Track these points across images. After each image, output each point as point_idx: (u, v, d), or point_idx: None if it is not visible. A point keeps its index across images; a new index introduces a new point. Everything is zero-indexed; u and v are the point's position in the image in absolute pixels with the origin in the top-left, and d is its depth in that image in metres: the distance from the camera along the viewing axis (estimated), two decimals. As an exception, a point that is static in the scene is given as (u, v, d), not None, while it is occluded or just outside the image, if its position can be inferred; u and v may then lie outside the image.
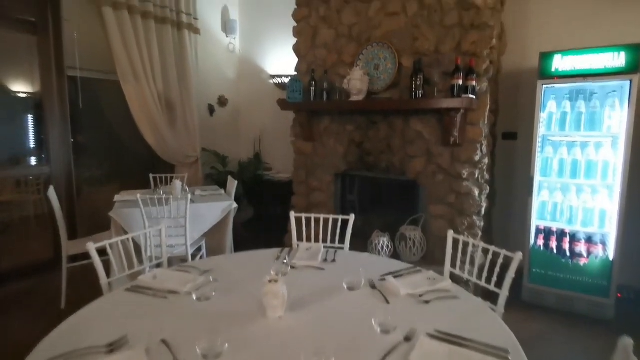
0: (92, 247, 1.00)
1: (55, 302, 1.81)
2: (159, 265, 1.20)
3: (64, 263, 1.78)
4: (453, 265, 1.18)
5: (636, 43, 1.73)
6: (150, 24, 2.44)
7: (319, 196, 2.34)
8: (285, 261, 1.14)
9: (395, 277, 1.02)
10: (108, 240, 1.05)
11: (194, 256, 1.90)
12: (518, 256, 0.97)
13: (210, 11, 3.03)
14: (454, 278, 1.19)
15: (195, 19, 2.77)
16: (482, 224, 1.99)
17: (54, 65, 2.18)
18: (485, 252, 1.09)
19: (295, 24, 2.35)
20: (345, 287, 0.94)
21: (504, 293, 1.01)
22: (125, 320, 0.82)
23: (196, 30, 2.77)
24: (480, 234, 1.97)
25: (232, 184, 2.22)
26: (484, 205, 2.00)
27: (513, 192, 2.28)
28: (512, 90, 2.25)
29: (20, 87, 2.21)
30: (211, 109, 3.13)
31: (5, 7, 2.04)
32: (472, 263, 1.75)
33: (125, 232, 1.67)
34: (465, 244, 1.15)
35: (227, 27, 3.15)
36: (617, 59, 1.78)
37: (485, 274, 1.10)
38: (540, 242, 2.00)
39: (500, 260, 1.02)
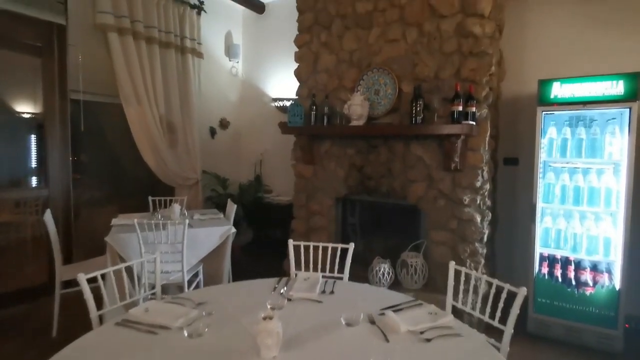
0: (82, 278, 0.97)
1: (47, 329, 1.76)
2: (153, 294, 1.16)
3: (57, 289, 1.74)
4: (455, 296, 1.15)
5: (634, 71, 1.74)
6: (154, 48, 2.48)
7: (319, 220, 2.31)
8: (282, 292, 1.11)
9: (395, 311, 0.98)
10: (100, 270, 1.02)
11: (190, 282, 1.86)
12: (522, 291, 0.94)
13: (214, 36, 3.08)
14: (457, 311, 1.15)
15: (199, 43, 2.82)
16: (485, 251, 1.95)
17: (57, 88, 2.20)
18: (489, 283, 1.06)
19: (297, 49, 2.38)
20: (344, 322, 0.90)
21: (508, 330, 0.97)
22: (113, 358, 0.79)
23: (199, 55, 2.81)
24: (483, 261, 1.93)
25: (232, 208, 2.20)
26: (486, 231, 1.97)
27: (515, 218, 2.24)
28: (512, 116, 2.25)
29: (24, 108, 2.23)
30: (212, 132, 3.15)
31: (15, 32, 2.08)
32: (476, 291, 1.71)
33: (121, 258, 1.64)
34: (468, 276, 1.12)
35: (230, 51, 3.19)
36: (616, 87, 1.78)
37: (488, 308, 1.06)
38: (545, 270, 1.95)
39: (504, 295, 0.99)
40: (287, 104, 2.93)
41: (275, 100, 3.07)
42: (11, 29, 2.09)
